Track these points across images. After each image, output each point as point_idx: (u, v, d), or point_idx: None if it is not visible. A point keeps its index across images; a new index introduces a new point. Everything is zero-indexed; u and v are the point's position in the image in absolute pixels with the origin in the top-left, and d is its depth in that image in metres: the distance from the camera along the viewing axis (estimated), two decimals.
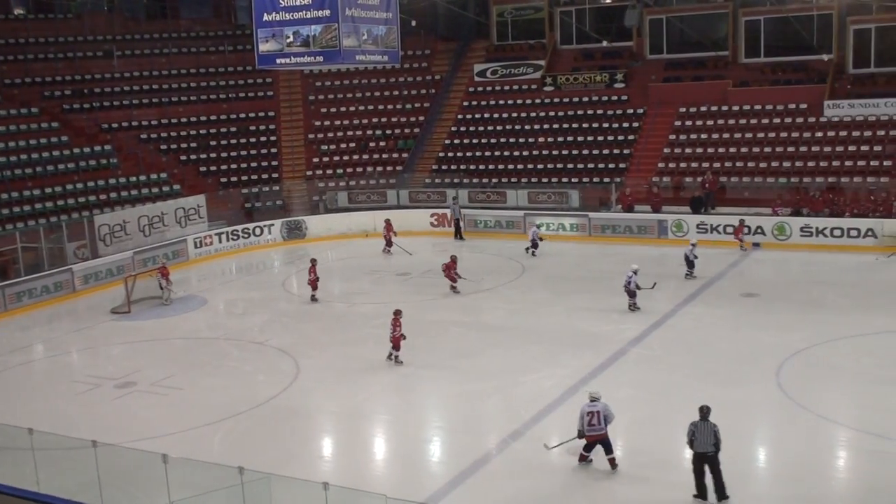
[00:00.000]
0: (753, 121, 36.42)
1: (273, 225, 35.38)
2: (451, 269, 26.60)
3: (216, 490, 12.87)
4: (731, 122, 36.78)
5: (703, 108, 37.57)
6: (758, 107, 36.71)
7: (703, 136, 36.78)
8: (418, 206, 37.16)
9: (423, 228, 35.85)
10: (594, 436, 14.95)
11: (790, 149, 34.84)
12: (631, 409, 17.58)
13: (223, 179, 38.73)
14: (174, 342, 23.90)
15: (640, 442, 16.46)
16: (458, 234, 34.65)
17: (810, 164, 33.96)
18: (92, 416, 18.62)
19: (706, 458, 13.93)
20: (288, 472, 13.92)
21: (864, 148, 33.85)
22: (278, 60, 21.51)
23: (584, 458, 15.19)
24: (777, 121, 36.06)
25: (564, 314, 24.35)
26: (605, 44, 40.27)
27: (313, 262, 26.93)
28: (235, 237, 34.42)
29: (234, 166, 39.49)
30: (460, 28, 45.02)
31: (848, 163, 33.50)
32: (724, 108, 37.31)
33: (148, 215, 32.54)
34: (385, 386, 19.79)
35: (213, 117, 41.03)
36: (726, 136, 36.38)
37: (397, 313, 20.81)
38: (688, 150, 36.43)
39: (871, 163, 33.22)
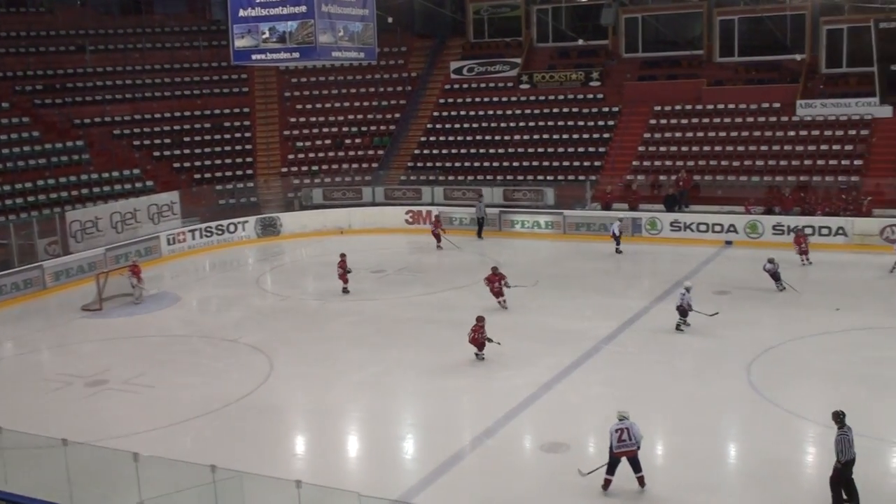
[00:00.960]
0: (727, 120, 36.67)
1: (247, 222, 35.21)
2: (495, 283, 24.46)
3: (188, 489, 12.82)
4: (706, 121, 37.01)
5: (678, 107, 37.79)
6: (731, 106, 36.97)
7: (678, 134, 36.99)
8: (394, 203, 37.11)
9: (399, 226, 35.83)
10: (623, 451, 14.27)
11: (763, 148, 35.12)
12: (603, 406, 17.62)
13: (197, 176, 38.53)
14: (146, 340, 23.76)
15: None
16: (480, 233, 34.19)
17: (782, 162, 34.25)
18: (62, 415, 18.47)
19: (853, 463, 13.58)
20: (260, 470, 13.84)
21: (836, 147, 34.17)
22: (254, 56, 21.40)
23: (608, 483, 14.37)
24: (750, 120, 36.33)
25: (538, 311, 24.40)
26: (580, 42, 40.39)
27: (343, 256, 27.01)
28: (209, 234, 34.23)
29: (208, 163, 39.30)
30: (436, 25, 45.03)
31: (819, 162, 33.81)
32: (699, 107, 37.55)
33: (120, 212, 32.30)
34: (358, 383, 19.75)
35: (187, 113, 40.78)
36: (700, 134, 36.60)
37: (480, 320, 20.62)
38: (662, 149, 36.62)
39: (843, 162, 33.54)
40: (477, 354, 20.46)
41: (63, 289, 28.67)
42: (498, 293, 24.35)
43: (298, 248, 34.27)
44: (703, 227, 31.33)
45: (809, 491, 14.67)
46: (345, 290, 26.76)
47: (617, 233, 30.73)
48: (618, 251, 30.56)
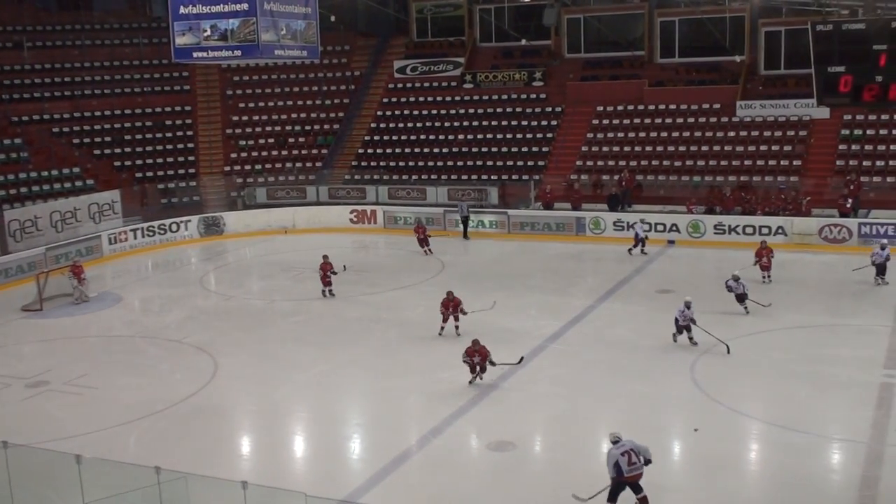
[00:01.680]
0: (669, 120, 37.17)
1: (190, 221, 34.82)
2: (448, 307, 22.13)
3: (132, 490, 12.67)
4: (647, 121, 37.46)
5: (620, 108, 38.18)
6: (673, 106, 37.47)
7: (620, 134, 37.39)
8: (338, 202, 36.99)
9: (343, 225, 35.72)
10: (635, 475, 13.28)
11: (704, 148, 35.66)
12: (549, 404, 17.83)
13: (138, 174, 38.01)
14: (88, 340, 23.40)
15: (557, 436, 16.68)
16: (465, 233, 33.84)
17: (723, 163, 34.82)
18: (2, 416, 18.10)
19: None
20: (206, 471, 13.74)
21: (775, 148, 34.82)
22: (195, 54, 21.14)
23: None
24: (691, 120, 36.87)
25: (484, 312, 24.44)
26: (523, 42, 40.58)
27: (325, 257, 26.34)
28: (151, 233, 33.78)
29: (149, 161, 38.79)
30: (380, 24, 44.95)
31: (759, 162, 34.44)
32: (641, 107, 37.98)
33: (60, 210, 31.74)
34: (304, 384, 19.67)
35: (127, 111, 40.19)
36: (642, 134, 37.05)
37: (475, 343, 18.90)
38: (605, 149, 36.98)
39: (782, 162, 34.20)
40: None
41: (2, 289, 28.08)
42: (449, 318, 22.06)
43: (242, 248, 33.99)
44: (645, 227, 31.67)
45: (754, 486, 14.96)
46: (328, 293, 26.02)
47: (641, 234, 30.02)
48: (643, 252, 29.84)
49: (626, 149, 36.68)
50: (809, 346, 20.82)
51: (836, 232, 29.72)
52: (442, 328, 22.06)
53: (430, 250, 31.15)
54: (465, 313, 22.09)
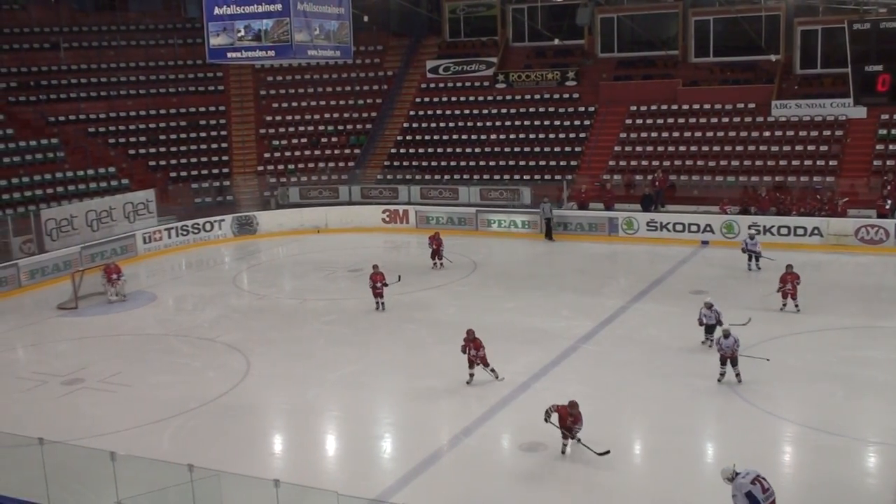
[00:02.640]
0: (703, 120, 36.87)
1: (223, 220, 35.07)
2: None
3: (166, 488, 12.77)
4: (681, 121, 37.20)
5: (654, 107, 37.95)
6: (707, 106, 37.17)
7: (654, 134, 37.17)
8: (370, 202, 37.08)
9: (376, 225, 35.79)
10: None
11: (738, 148, 35.35)
12: (581, 405, 17.71)
13: (173, 174, 38.34)
14: (122, 338, 23.61)
15: (589, 437, 16.58)
16: (549, 234, 33.22)
17: (758, 163, 34.50)
18: (38, 413, 18.33)
19: None
20: (238, 469, 13.82)
21: (811, 148, 34.44)
22: (229, 54, 21.35)
23: None
24: (726, 120, 36.55)
25: (516, 311, 24.45)
26: (556, 42, 40.47)
27: (375, 267, 24.90)
28: (185, 232, 34.06)
29: (183, 161, 39.10)
30: (412, 24, 45.00)
31: (795, 162, 34.08)
32: (674, 107, 37.72)
33: (96, 210, 32.05)
34: (336, 383, 19.73)
35: (162, 111, 40.55)
36: (676, 134, 36.80)
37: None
38: (638, 149, 36.78)
39: (817, 162, 33.83)
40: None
41: (38, 287, 28.46)
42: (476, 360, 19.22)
43: (275, 247, 34.19)
44: (679, 227, 31.49)
45: (787, 489, 14.79)
46: (380, 306, 24.51)
47: (756, 248, 27.36)
48: (758, 267, 27.31)
49: (660, 149, 36.46)
50: (844, 348, 20.57)
51: (872, 233, 29.33)
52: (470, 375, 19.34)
53: (441, 264, 29.41)
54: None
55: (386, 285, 24.59)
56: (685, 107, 37.54)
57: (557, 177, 36.24)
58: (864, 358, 19.85)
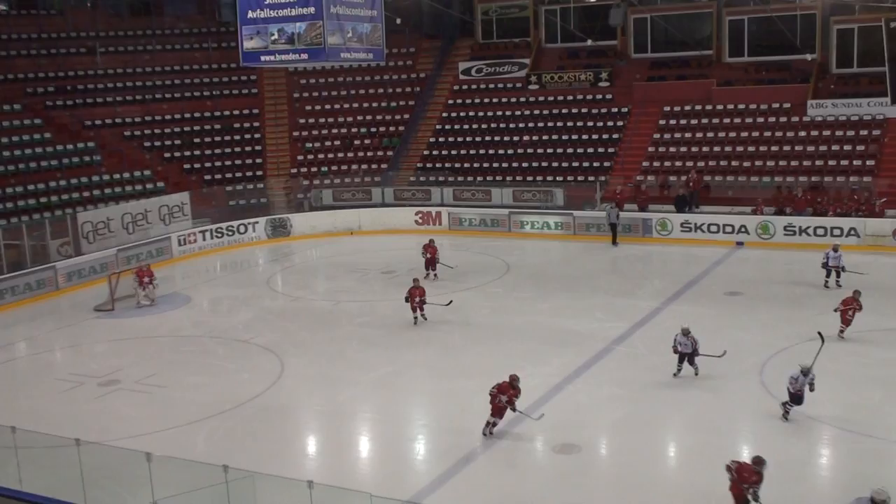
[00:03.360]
0: (737, 120, 36.59)
1: (257, 223, 35.28)
2: None
3: (201, 489, 12.85)
4: (716, 121, 36.93)
5: (688, 108, 37.72)
6: (742, 106, 36.89)
7: (688, 135, 36.93)
8: (403, 204, 37.13)
9: (409, 227, 35.83)
10: None
11: (774, 148, 35.04)
12: (614, 407, 17.65)
13: (207, 177, 38.62)
14: (158, 340, 23.80)
15: (623, 439, 16.51)
16: (614, 239, 32.52)
17: (794, 163, 34.16)
18: (75, 414, 18.53)
19: None
20: (272, 470, 13.89)
21: (847, 148, 34.07)
22: (263, 58, 21.47)
23: None
24: (761, 120, 36.25)
25: (549, 312, 24.40)
26: (589, 42, 40.33)
27: (415, 281, 24.06)
28: (220, 235, 34.30)
29: (218, 164, 39.39)
30: (445, 26, 45.03)
31: (831, 162, 33.72)
32: (709, 107, 37.46)
33: (131, 213, 32.37)
34: (369, 384, 19.76)
35: (196, 114, 40.89)
36: (710, 135, 36.54)
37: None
38: (672, 149, 36.56)
39: (854, 162, 33.44)
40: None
41: (75, 289, 28.77)
42: None
43: (309, 249, 34.34)
44: (713, 228, 31.24)
45: (824, 492, 14.64)
46: (420, 318, 23.69)
47: (839, 262, 25.25)
48: (838, 284, 25.16)
49: (694, 149, 36.22)
50: (882, 350, 20.33)
51: None
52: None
53: (435, 275, 28.07)
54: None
55: (425, 302, 23.61)
56: (719, 107, 37.26)
57: (591, 178, 36.10)
58: None
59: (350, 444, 17.23)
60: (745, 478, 13.17)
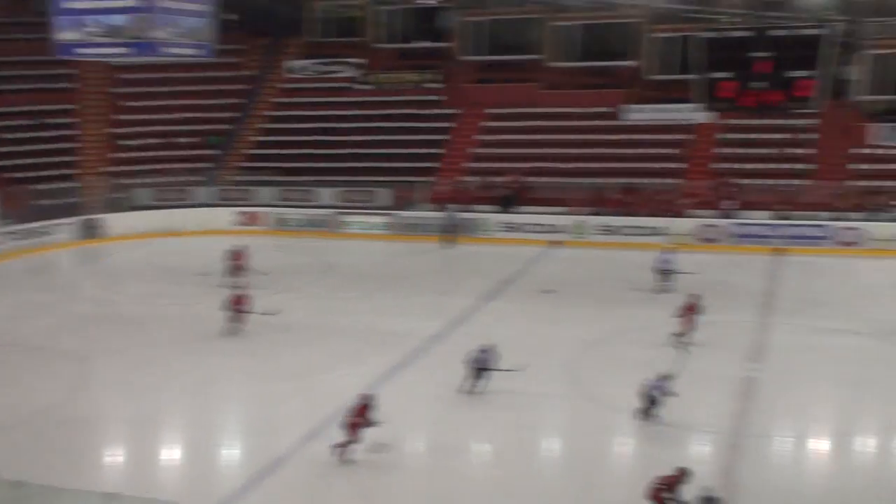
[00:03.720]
0: (560, 123, 37.54)
1: (68, 223, 33.56)
2: None
3: None
4: (539, 123, 37.79)
5: (514, 110, 38.43)
6: (564, 109, 37.86)
7: (513, 136, 37.65)
8: (226, 204, 36.32)
9: (231, 227, 35.02)
10: None
11: (593, 150, 36.12)
12: (432, 406, 17.72)
13: (17, 175, 36.60)
14: None
15: (438, 439, 16.63)
16: (452, 241, 32.58)
17: (610, 165, 35.30)
18: None
19: None
20: (74, 483, 13.26)
21: (660, 151, 35.52)
22: (79, 51, 20.45)
23: None
24: (582, 123, 37.31)
25: (370, 312, 24.36)
26: (421, 44, 40.47)
27: (237, 290, 23.46)
28: (25, 236, 32.47)
29: (28, 161, 37.34)
30: (276, 24, 44.29)
31: (644, 165, 35.05)
32: (533, 110, 38.28)
33: None
34: (181, 390, 19.16)
35: (5, 109, 38.70)
36: (534, 137, 37.35)
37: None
38: (497, 151, 37.19)
39: (665, 165, 34.89)
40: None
41: None
42: None
43: (123, 251, 32.90)
44: (532, 228, 31.98)
45: (624, 481, 15.17)
46: (235, 329, 22.44)
47: (667, 266, 25.66)
48: (667, 288, 25.24)
49: (518, 151, 36.94)
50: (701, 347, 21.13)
51: (711, 232, 30.49)
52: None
53: (246, 282, 25.88)
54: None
55: (246, 311, 22.44)
56: (544, 110, 38.14)
57: (417, 179, 36.27)
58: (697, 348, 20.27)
59: (156, 452, 16.69)
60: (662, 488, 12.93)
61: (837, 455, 16.40)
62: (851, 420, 17.88)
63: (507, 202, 33.80)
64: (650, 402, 16.45)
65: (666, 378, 16.59)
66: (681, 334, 20.53)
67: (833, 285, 26.70)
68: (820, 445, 16.91)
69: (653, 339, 21.36)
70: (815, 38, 23.06)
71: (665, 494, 12.80)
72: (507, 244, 31.30)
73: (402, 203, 34.95)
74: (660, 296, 24.64)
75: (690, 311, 20.70)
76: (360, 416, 15.43)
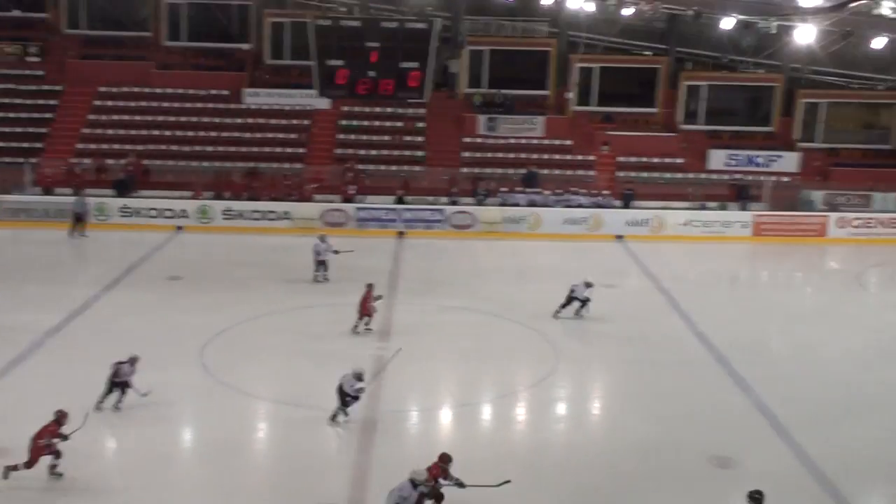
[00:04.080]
0: (177, 104, 36.60)
1: None
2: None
3: None
4: (155, 104, 36.57)
5: (126, 89, 36.86)
6: (181, 91, 36.96)
7: (126, 117, 36.09)
8: None
9: None
10: None
11: (213, 134, 35.63)
12: (40, 406, 16.29)
13: None
14: None
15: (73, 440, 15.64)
16: (80, 229, 29.66)
17: (232, 149, 35.04)
18: None
19: None
20: None
21: (281, 136, 35.83)
22: None
23: None
24: (200, 105, 36.65)
25: None
26: (17, 13, 37.39)
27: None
28: None
29: None
30: None
31: (266, 149, 35.18)
32: (147, 90, 36.96)
33: None
34: None
35: None
36: (150, 118, 36.08)
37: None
38: (110, 132, 35.48)
39: (287, 150, 35.27)
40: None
41: None
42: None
43: None
44: (154, 213, 31.00)
45: (262, 466, 15.28)
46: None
47: (325, 255, 25.02)
48: (325, 278, 25.14)
49: (133, 132, 35.46)
50: (310, 325, 21.70)
51: (336, 216, 31.40)
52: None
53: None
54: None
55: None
56: (158, 90, 36.97)
57: (20, 160, 33.56)
58: (328, 333, 20.87)
59: None
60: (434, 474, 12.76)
61: (461, 424, 17.49)
62: (472, 391, 19.08)
63: (124, 186, 32.36)
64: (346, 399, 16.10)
65: (359, 377, 16.19)
66: (362, 320, 20.85)
67: (451, 265, 28.49)
68: (444, 416, 17.93)
69: (283, 324, 21.66)
70: (423, 31, 24.33)
71: (442, 482, 12.88)
72: (130, 230, 29.97)
73: (4, 187, 32.12)
74: (298, 282, 24.94)
75: (367, 299, 20.86)
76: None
